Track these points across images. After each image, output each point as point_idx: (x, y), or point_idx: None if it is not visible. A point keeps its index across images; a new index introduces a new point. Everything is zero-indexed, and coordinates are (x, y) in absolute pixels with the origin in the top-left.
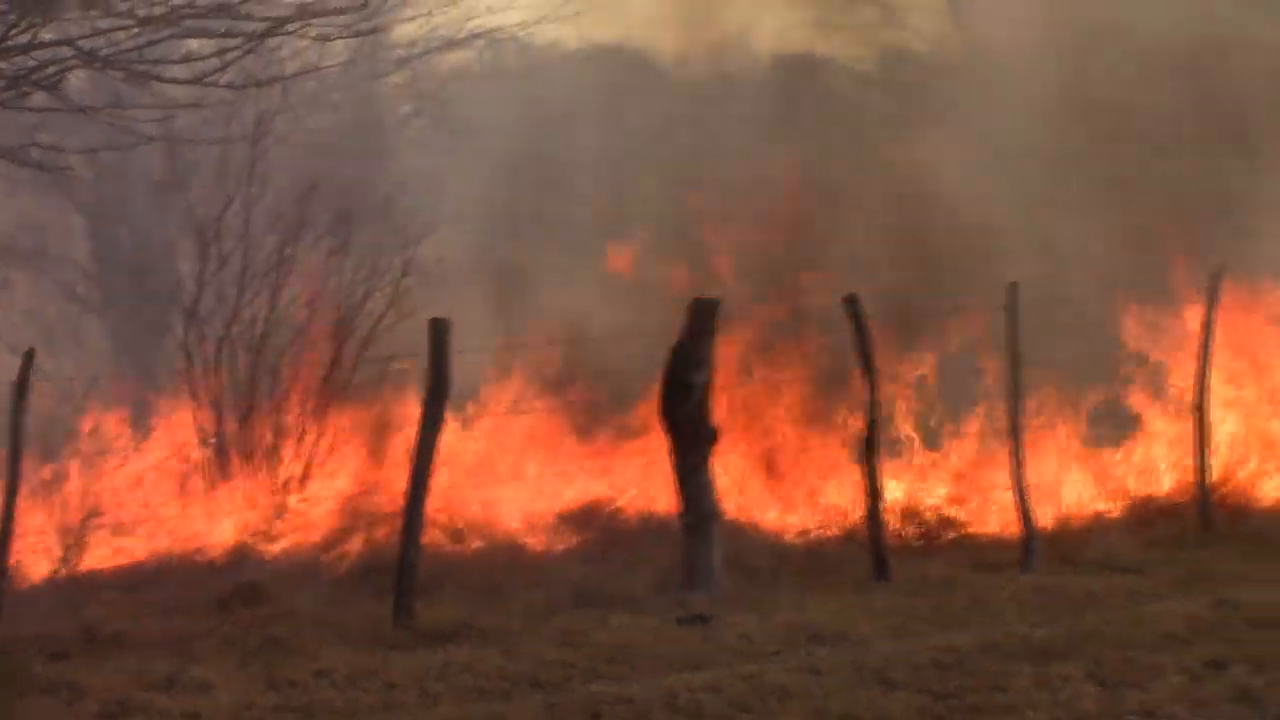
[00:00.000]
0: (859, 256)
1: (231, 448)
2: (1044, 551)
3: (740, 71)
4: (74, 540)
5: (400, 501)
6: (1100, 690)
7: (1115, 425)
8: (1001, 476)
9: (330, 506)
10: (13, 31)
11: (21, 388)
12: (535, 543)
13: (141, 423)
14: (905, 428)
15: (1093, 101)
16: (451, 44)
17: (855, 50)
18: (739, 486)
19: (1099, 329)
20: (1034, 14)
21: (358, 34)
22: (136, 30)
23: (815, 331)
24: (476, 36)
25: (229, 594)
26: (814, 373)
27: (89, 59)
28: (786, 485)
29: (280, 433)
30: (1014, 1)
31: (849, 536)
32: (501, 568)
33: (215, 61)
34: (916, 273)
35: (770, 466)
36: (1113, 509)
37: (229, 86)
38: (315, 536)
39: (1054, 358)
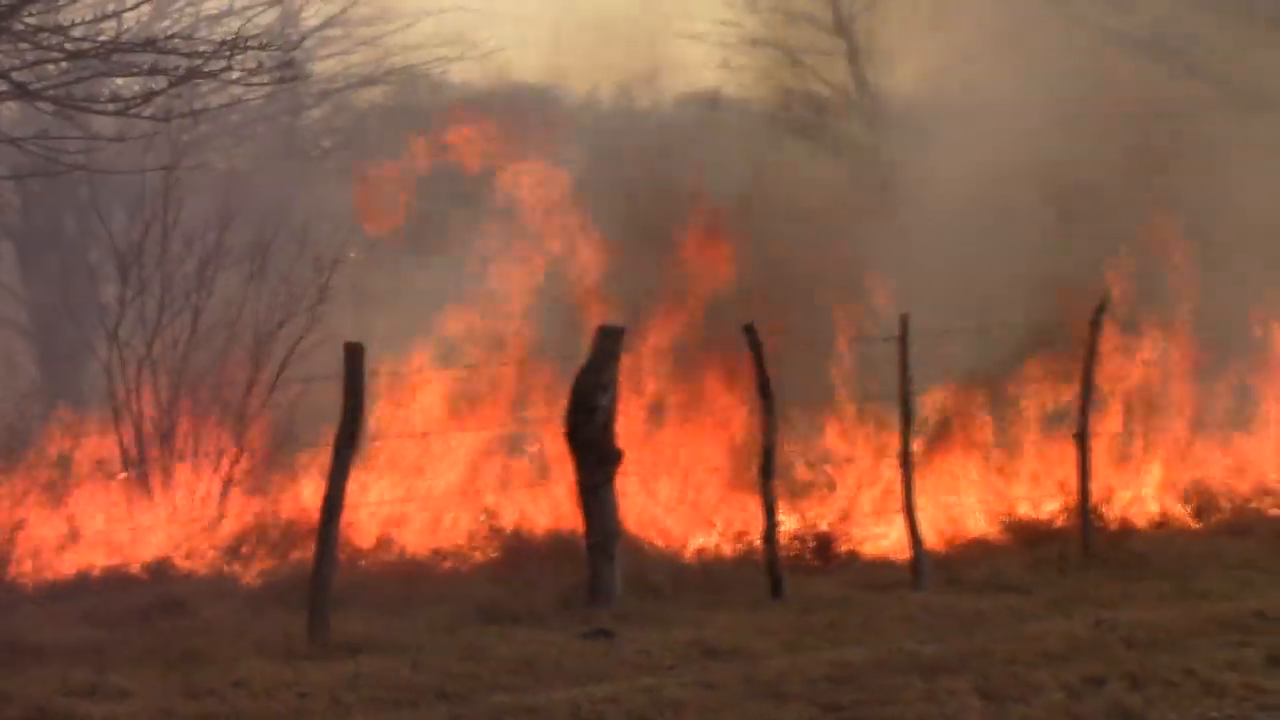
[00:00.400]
0: (757, 285)
1: (153, 465)
2: (934, 572)
3: (649, 109)
4: None
5: (315, 518)
6: (985, 704)
7: (1007, 451)
8: (895, 500)
9: (248, 523)
10: None
11: None
12: (444, 560)
13: (66, 441)
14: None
15: (987, 141)
16: (368, 81)
17: (757, 90)
18: (641, 506)
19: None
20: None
21: (281, 80)
22: (65, 64)
23: (719, 356)
24: (391, 74)
25: (149, 606)
26: (716, 398)
27: (21, 92)
28: (687, 505)
29: (200, 451)
30: (910, 50)
31: (746, 556)
32: (411, 584)
33: (140, 94)
34: (806, 304)
35: (671, 487)
36: (1001, 532)
37: (153, 119)
38: (233, 552)
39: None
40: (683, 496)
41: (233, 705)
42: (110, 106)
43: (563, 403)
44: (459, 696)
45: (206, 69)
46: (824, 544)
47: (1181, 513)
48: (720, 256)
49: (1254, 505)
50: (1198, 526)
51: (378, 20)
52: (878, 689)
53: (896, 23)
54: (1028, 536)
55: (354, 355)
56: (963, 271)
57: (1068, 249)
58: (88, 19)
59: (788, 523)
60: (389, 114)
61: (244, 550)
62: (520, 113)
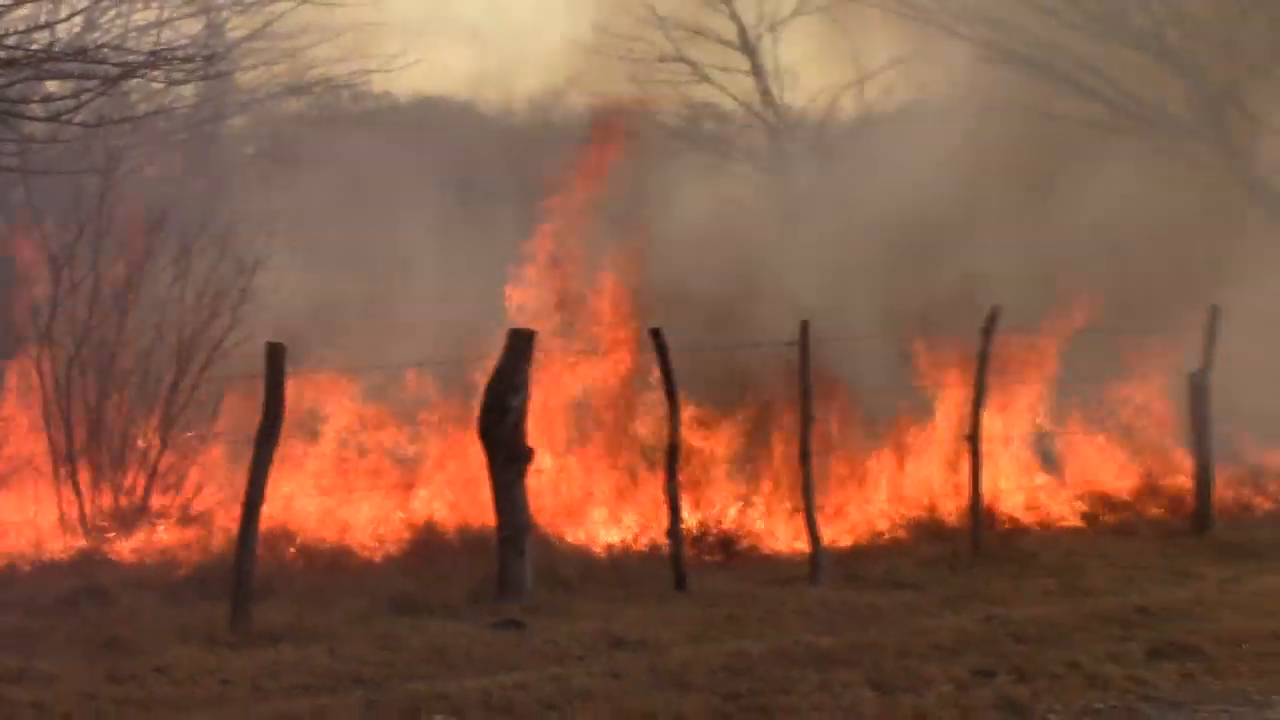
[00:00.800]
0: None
1: (81, 460)
2: (832, 569)
3: (560, 121)
4: None
5: (238, 512)
6: (878, 696)
7: (902, 452)
8: (796, 498)
9: (172, 516)
10: None
11: None
12: (362, 553)
13: None
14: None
15: (883, 154)
16: (291, 90)
17: (666, 104)
18: (551, 502)
19: (886, 361)
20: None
21: (204, 77)
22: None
23: (628, 360)
24: (314, 85)
25: (75, 595)
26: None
27: None
28: (596, 501)
29: (127, 446)
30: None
31: (652, 551)
32: (330, 576)
33: (71, 101)
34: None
35: (582, 484)
36: (898, 531)
37: (83, 125)
38: (158, 544)
39: (850, 387)
40: (593, 493)
41: (155, 691)
42: (42, 112)
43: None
44: (374, 683)
45: (136, 74)
46: (727, 540)
47: (1071, 513)
48: (630, 264)
49: (1139, 506)
50: (1084, 527)
51: (300, 34)
52: (775, 679)
53: (799, 42)
54: (924, 535)
55: (275, 354)
56: (866, 280)
57: (964, 257)
58: (20, 29)
59: (692, 520)
60: (310, 123)
61: (168, 542)
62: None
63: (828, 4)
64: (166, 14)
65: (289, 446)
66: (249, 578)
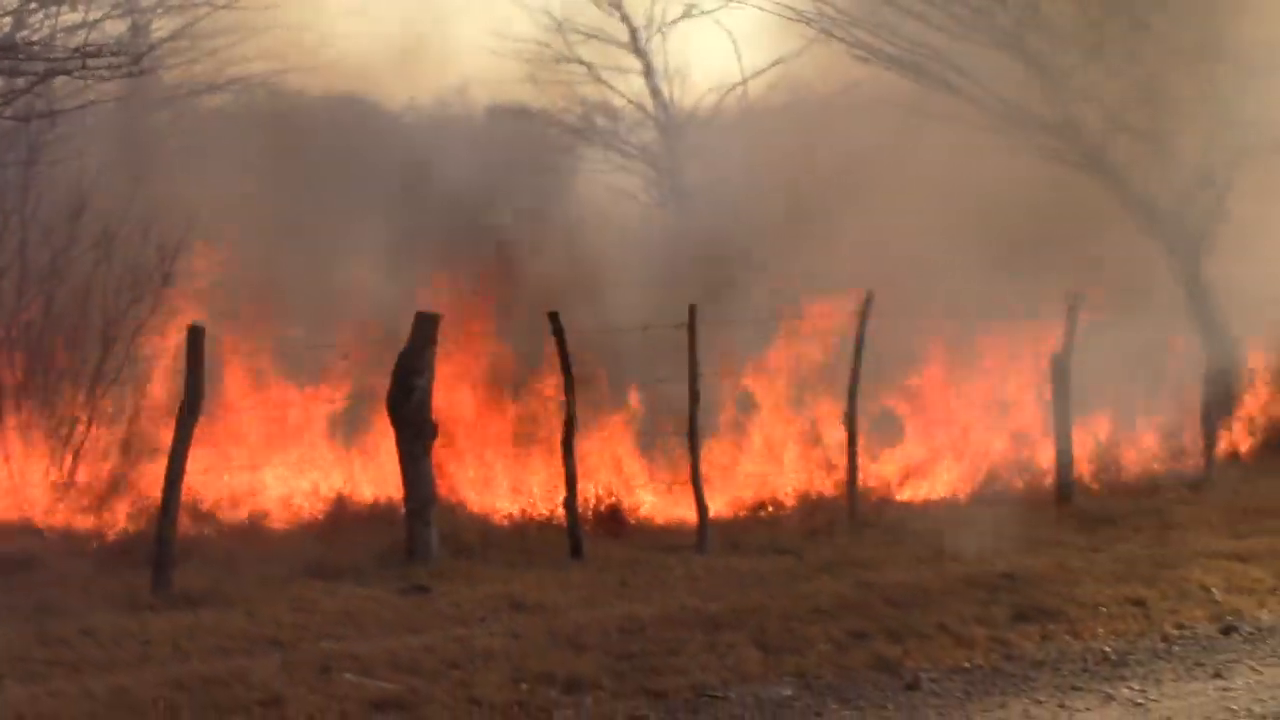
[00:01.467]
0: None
1: (9, 434)
2: (718, 538)
3: (461, 118)
4: None
5: (160, 484)
6: (762, 655)
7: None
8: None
9: (98, 488)
10: None
11: None
12: (278, 522)
13: None
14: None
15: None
16: (211, 88)
17: (562, 102)
18: (455, 474)
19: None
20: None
21: (129, 74)
22: None
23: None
24: (232, 83)
25: (4, 562)
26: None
27: None
28: (496, 473)
29: (57, 421)
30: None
31: (549, 521)
32: (248, 542)
33: (1, 96)
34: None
35: (482, 457)
36: (777, 502)
37: (12, 119)
38: (85, 513)
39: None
40: (493, 466)
41: (82, 653)
42: None
43: (386, 383)
44: (289, 644)
45: (63, 70)
46: (618, 512)
47: (942, 486)
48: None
49: (1010, 477)
50: (954, 498)
51: (220, 34)
52: (665, 640)
53: (687, 43)
54: (804, 507)
55: (195, 336)
56: (746, 269)
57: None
58: None
59: (588, 492)
60: (229, 118)
61: (95, 513)
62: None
63: (713, 9)
64: (93, 15)
65: (211, 420)
66: (170, 546)
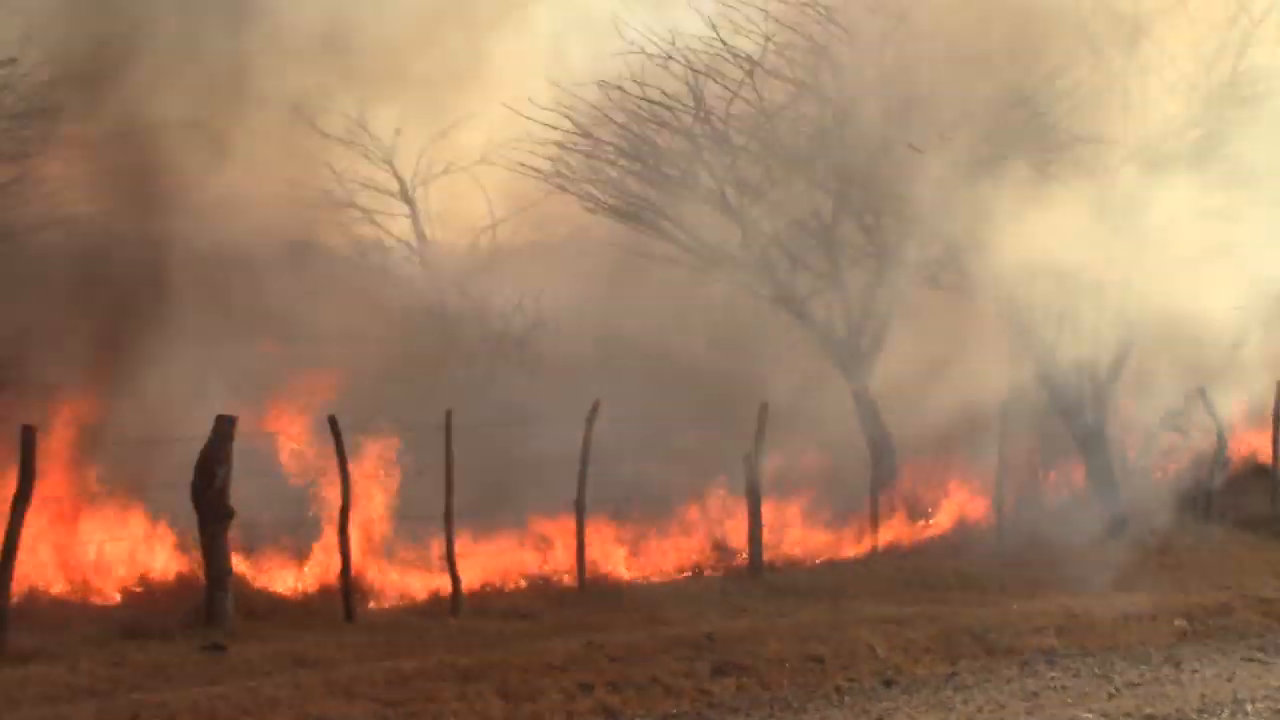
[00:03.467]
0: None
1: None
2: (469, 604)
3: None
4: None
5: None
6: (504, 703)
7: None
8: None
9: None
10: None
11: None
12: (98, 589)
13: None
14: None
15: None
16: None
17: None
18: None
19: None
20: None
21: None
22: None
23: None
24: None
25: None
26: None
27: None
28: (280, 551)
29: None
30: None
31: (325, 591)
32: (72, 609)
33: None
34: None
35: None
36: (516, 576)
37: None
38: None
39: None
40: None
41: None
42: None
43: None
44: (104, 694)
45: None
46: (382, 583)
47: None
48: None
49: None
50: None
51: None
52: (424, 690)
53: (447, 193)
54: (541, 579)
55: (28, 437)
56: None
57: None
58: None
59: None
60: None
61: None
62: None
63: (469, 165)
64: None
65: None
66: (3, 611)
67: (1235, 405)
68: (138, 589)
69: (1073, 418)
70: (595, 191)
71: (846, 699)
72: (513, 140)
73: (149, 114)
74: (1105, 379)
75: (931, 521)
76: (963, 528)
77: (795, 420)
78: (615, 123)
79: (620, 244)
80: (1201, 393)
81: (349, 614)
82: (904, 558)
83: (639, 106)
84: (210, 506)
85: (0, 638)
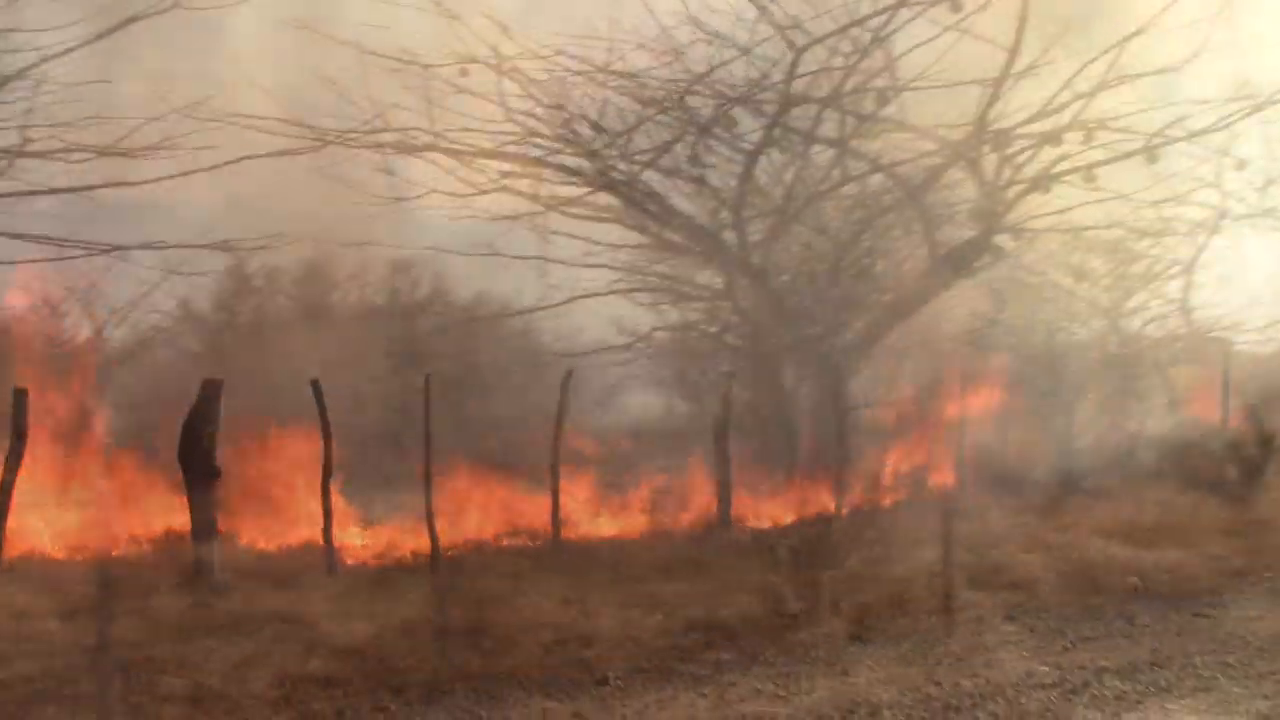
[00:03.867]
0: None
1: None
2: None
3: None
4: None
5: None
6: (482, 658)
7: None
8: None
9: None
10: None
11: None
12: (91, 547)
13: None
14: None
15: None
16: None
17: None
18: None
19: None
20: None
21: None
22: None
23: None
24: None
25: None
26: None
27: None
28: (266, 512)
29: None
30: None
31: (307, 548)
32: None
33: None
34: None
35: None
36: (498, 536)
37: None
38: None
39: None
40: (265, 502)
41: None
42: None
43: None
44: (95, 648)
45: None
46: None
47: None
48: None
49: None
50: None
51: None
52: (404, 645)
53: None
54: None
55: (20, 399)
56: None
57: None
58: None
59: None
60: None
61: None
62: None
63: None
64: None
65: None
66: None
67: None
68: (130, 545)
69: None
70: None
71: None
72: None
73: None
74: None
75: None
76: None
77: None
78: None
79: None
80: None
81: (330, 569)
82: None
83: None
84: (197, 466)
85: None
